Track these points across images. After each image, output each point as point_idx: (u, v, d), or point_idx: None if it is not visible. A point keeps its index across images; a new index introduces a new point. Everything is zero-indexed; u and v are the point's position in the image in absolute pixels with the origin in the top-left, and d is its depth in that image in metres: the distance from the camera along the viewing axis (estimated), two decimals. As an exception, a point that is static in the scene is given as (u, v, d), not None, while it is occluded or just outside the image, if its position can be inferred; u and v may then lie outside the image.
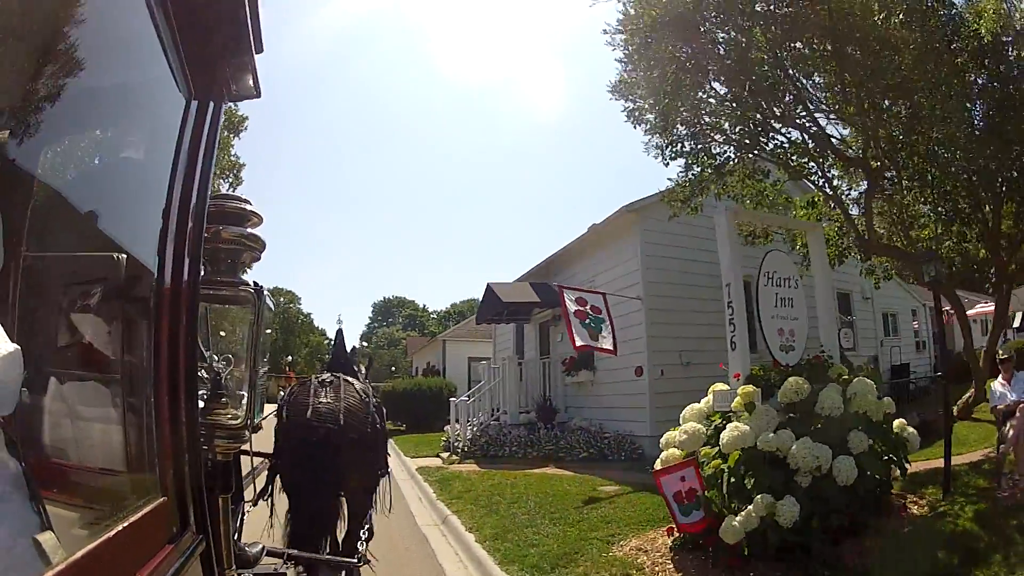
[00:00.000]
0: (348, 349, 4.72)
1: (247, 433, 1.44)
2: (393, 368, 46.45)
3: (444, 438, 13.15)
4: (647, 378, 10.47)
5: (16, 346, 0.68)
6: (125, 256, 1.01)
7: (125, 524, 0.87)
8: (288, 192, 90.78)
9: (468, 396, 13.37)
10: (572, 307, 9.20)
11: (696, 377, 10.02)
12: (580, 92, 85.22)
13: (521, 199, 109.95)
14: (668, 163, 8.09)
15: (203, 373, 1.40)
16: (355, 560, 3.26)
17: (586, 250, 12.99)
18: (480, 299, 16.08)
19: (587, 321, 9.23)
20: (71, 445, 0.98)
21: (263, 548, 1.87)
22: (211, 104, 1.22)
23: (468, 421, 12.28)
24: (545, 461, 10.16)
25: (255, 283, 1.49)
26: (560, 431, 11.52)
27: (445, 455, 11.79)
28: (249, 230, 1.47)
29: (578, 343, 8.97)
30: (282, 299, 56.49)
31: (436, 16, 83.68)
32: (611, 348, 9.25)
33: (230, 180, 16.51)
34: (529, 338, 15.77)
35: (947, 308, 17.48)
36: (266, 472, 3.48)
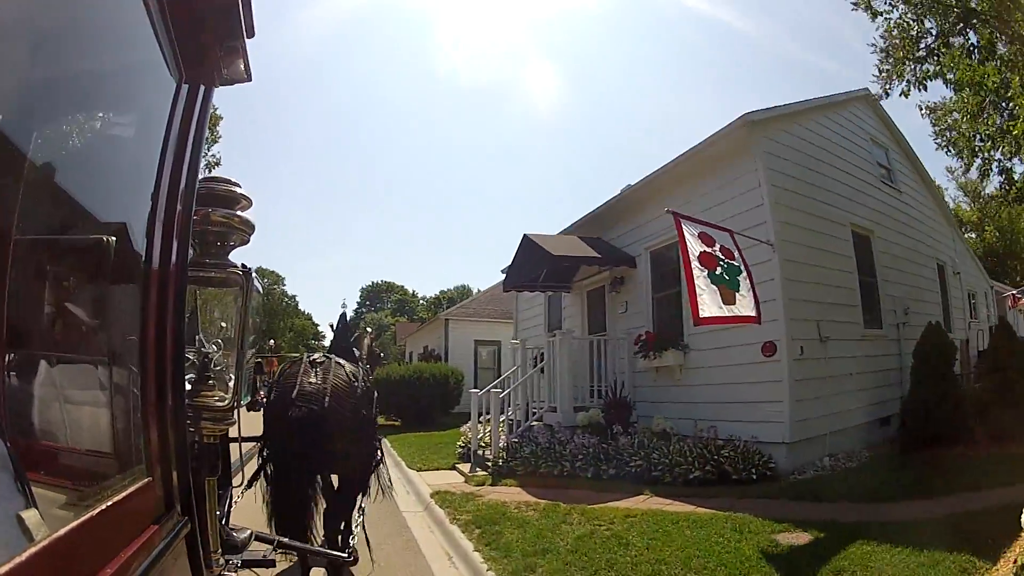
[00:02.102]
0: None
1: (234, 416, 1.48)
2: (382, 354, 46.21)
3: (461, 442, 9.79)
4: (784, 359, 7.16)
5: None
6: (114, 239, 1.04)
7: (109, 503, 0.89)
8: (277, 175, 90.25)
9: (497, 386, 9.74)
10: (695, 247, 6.08)
11: (838, 359, 8.00)
12: (574, 88, 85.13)
13: (512, 189, 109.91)
14: (875, 15, 6.30)
15: (191, 356, 1.43)
16: (346, 555, 3.32)
17: (675, 183, 9.28)
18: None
19: (717, 271, 6.12)
20: (56, 424, 1.00)
21: (251, 533, 1.91)
22: (201, 88, 1.24)
23: (501, 421, 8.96)
24: (635, 484, 6.82)
25: (243, 265, 1.52)
26: (646, 438, 7.84)
27: (465, 467, 8.58)
28: (239, 213, 1.49)
29: (704, 314, 5.81)
30: (266, 279, 56.21)
31: (433, 9, 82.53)
32: (753, 315, 6.24)
33: (206, 136, 16.11)
34: (571, 311, 12.22)
35: (1012, 292, 16.73)
36: (258, 456, 3.55)
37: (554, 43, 78.75)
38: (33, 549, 0.68)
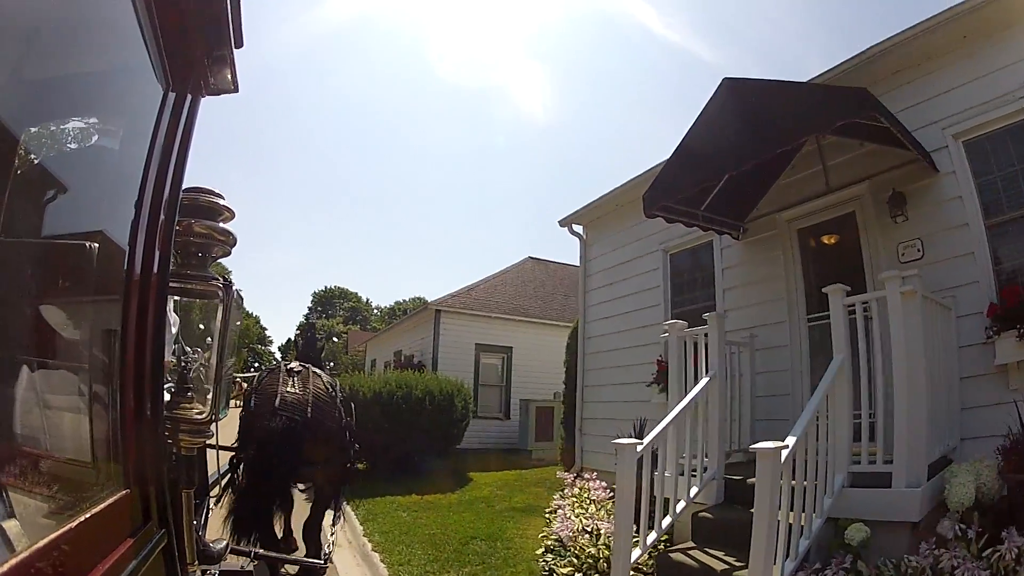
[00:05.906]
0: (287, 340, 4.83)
1: (212, 429, 1.48)
2: (331, 364, 45.05)
3: (565, 564, 4.59)
4: None
5: None
6: (96, 246, 1.05)
7: (87, 515, 0.89)
8: (230, 168, 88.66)
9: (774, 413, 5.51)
10: None
11: None
12: (544, 105, 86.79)
13: (480, 198, 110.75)
14: None
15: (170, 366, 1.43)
16: (322, 562, 3.33)
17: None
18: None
19: None
20: (34, 434, 1.00)
21: (227, 544, 1.92)
22: (188, 97, 1.24)
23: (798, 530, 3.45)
24: None
25: (224, 277, 1.53)
26: None
27: None
28: (221, 224, 1.50)
29: None
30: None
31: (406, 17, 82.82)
32: None
33: (191, 146, 15.56)
34: (739, 272, 6.71)
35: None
36: (229, 464, 3.53)
37: (525, 55, 79.92)
38: (12, 562, 0.68)
